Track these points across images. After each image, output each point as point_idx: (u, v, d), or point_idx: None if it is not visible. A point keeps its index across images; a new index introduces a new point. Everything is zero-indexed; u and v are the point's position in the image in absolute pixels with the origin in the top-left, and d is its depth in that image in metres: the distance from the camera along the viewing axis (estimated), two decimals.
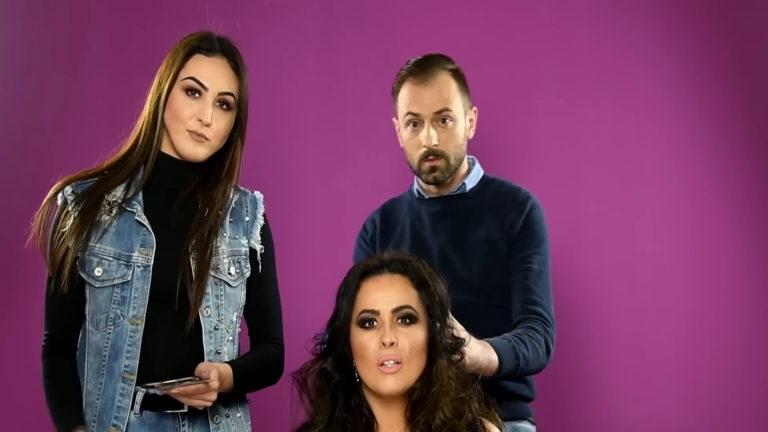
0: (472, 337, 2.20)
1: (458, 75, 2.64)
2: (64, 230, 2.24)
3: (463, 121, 2.63)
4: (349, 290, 2.10)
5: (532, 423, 2.62)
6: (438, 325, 2.08)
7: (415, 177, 2.72)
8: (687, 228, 3.22)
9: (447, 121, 2.58)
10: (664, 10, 3.27)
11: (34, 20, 3.53)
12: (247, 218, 2.40)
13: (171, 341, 2.22)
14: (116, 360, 2.20)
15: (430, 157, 2.58)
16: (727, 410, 3.16)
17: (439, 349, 2.07)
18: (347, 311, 2.08)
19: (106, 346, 2.22)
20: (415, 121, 2.59)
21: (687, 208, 3.22)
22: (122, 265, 2.23)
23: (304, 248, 3.39)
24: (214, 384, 2.13)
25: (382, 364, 2.03)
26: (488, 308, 2.54)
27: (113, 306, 2.22)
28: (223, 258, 2.31)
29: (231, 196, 2.38)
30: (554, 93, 3.30)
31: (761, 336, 3.17)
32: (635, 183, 3.25)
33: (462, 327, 2.17)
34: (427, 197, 2.70)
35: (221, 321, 2.29)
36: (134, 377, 2.20)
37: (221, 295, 2.30)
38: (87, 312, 2.26)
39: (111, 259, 2.23)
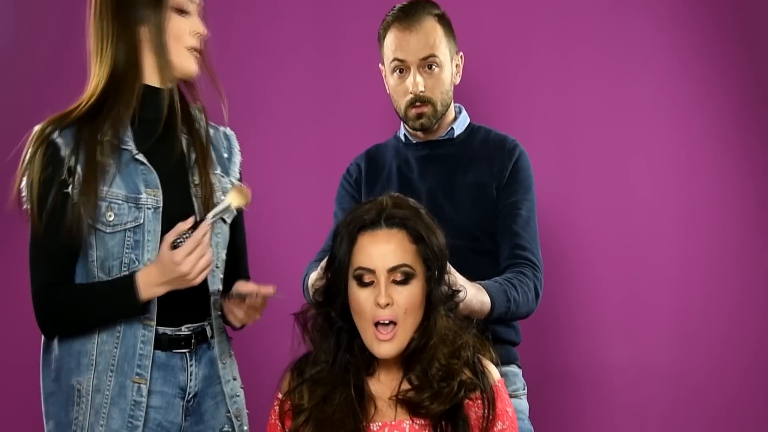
0: (466, 280, 2.22)
1: (444, 20, 2.63)
2: (63, 178, 2.16)
3: (450, 67, 2.63)
4: (345, 242, 2.07)
5: (519, 367, 2.65)
6: (436, 278, 2.08)
7: (402, 122, 2.72)
8: (681, 171, 3.22)
9: (433, 67, 2.58)
10: None
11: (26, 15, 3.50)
12: (225, 154, 2.39)
13: (189, 288, 2.18)
14: None
15: (417, 104, 2.59)
16: (722, 352, 3.19)
17: (437, 303, 2.08)
18: (345, 264, 2.07)
19: None
20: (401, 68, 2.58)
21: (681, 152, 3.22)
22: (132, 207, 2.18)
23: (295, 193, 3.37)
24: (270, 289, 2.23)
25: (377, 325, 2.03)
26: (476, 252, 2.55)
27: (126, 251, 2.18)
28: (217, 194, 2.30)
29: (208, 131, 2.36)
30: (549, 40, 3.27)
31: (755, 277, 3.18)
32: (629, 127, 3.23)
33: (460, 276, 2.19)
34: (414, 142, 2.71)
35: (218, 259, 2.31)
36: (154, 323, 2.19)
37: (219, 233, 2.31)
38: (94, 259, 2.19)
39: (121, 202, 2.17)
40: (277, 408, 2.12)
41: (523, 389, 2.65)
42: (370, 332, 2.04)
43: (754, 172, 3.20)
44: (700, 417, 3.19)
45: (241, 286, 2.25)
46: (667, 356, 3.20)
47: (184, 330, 2.26)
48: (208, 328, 2.29)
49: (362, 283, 2.05)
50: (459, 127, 2.70)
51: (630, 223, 3.24)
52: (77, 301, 2.16)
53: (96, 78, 2.23)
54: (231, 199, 2.15)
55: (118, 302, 2.14)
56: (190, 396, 2.27)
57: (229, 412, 2.32)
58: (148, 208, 2.19)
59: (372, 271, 2.04)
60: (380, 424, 2.07)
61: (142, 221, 2.19)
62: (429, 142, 2.69)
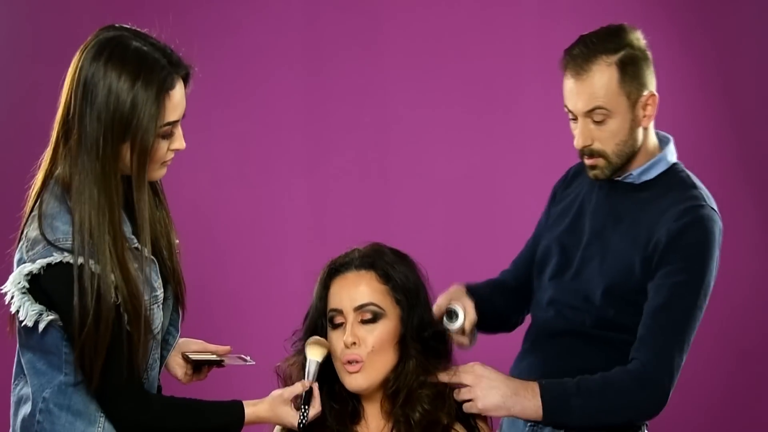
0: (498, 374, 2.10)
1: (626, 61, 2.24)
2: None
3: (629, 114, 2.24)
4: (320, 289, 2.10)
5: None
6: (408, 313, 2.06)
7: None
8: None
9: (603, 119, 2.23)
10: None
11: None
12: None
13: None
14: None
15: (587, 156, 2.27)
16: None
17: (409, 343, 2.05)
18: (321, 310, 2.09)
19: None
20: (571, 116, 2.27)
21: None
22: (156, 308, 2.05)
23: (285, 242, 3.36)
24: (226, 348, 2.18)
25: (347, 363, 2.03)
26: (583, 335, 2.26)
27: (153, 353, 2.05)
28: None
29: None
30: None
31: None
32: None
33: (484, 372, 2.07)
34: None
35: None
36: None
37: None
38: None
39: (149, 306, 2.02)
40: None
41: None
42: (342, 370, 2.05)
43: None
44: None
45: (192, 346, 2.18)
46: None
47: None
48: None
49: (334, 325, 2.06)
50: (644, 173, 2.29)
51: None
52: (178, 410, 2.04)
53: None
54: (315, 355, 2.06)
55: (222, 423, 2.04)
56: None
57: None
58: (162, 303, 2.07)
59: (341, 312, 2.05)
60: None
61: (164, 318, 2.09)
62: (610, 180, 2.32)
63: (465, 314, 2.23)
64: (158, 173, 2.01)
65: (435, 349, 2.09)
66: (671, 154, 2.32)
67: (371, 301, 2.04)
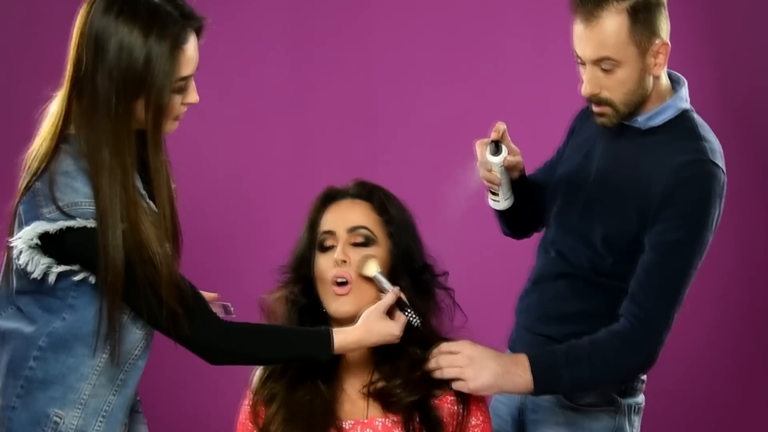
0: (488, 352, 2.10)
1: (637, 8, 2.15)
2: None
3: (638, 63, 2.17)
4: (310, 216, 2.11)
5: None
6: (400, 253, 2.07)
7: None
8: None
9: (610, 69, 2.17)
10: None
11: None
12: None
13: None
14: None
15: (594, 104, 2.22)
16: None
17: (399, 278, 2.06)
18: (310, 237, 2.09)
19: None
20: (580, 62, 2.21)
21: None
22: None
23: (271, 187, 3.39)
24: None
25: (335, 285, 2.03)
26: (580, 279, 2.26)
27: None
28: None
29: None
30: None
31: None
32: None
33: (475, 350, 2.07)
34: None
35: None
36: None
37: None
38: None
39: None
40: (247, 406, 2.10)
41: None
42: (329, 293, 2.04)
43: None
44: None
45: None
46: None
47: None
48: None
49: (324, 248, 2.06)
50: (651, 118, 2.23)
51: None
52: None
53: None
54: (374, 270, 2.05)
55: (307, 353, 2.01)
56: None
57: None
58: None
59: (332, 233, 2.06)
60: (352, 422, 2.04)
61: None
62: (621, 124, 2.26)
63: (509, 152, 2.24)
64: (170, 127, 1.97)
65: (425, 285, 2.11)
66: (682, 100, 2.24)
67: (365, 225, 2.06)
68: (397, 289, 2.02)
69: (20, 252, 1.86)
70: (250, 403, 2.09)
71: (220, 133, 3.38)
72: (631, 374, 2.22)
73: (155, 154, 1.92)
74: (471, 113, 3.27)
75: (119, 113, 1.86)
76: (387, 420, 2.03)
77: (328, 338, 1.97)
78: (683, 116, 2.23)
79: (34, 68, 3.04)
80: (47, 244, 1.85)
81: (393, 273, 2.07)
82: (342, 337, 1.98)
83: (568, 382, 2.12)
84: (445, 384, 2.04)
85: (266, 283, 2.15)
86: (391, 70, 3.43)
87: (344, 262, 2.03)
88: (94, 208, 1.84)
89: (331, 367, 2.04)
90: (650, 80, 2.20)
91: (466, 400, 2.04)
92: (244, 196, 3.40)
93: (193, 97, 1.95)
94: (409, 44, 3.40)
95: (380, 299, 2.02)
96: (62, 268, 1.87)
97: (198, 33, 1.92)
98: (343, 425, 2.03)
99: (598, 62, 2.16)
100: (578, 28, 2.18)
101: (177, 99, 1.92)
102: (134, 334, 1.95)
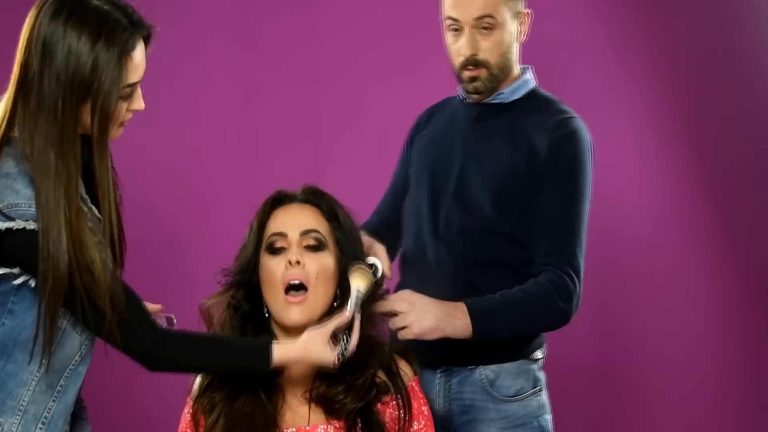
0: (428, 298, 2.16)
1: None
2: None
3: (511, 27, 2.40)
4: (258, 218, 2.09)
5: (533, 360, 2.43)
6: (347, 260, 2.07)
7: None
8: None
9: (489, 27, 2.36)
10: None
11: None
12: None
13: None
14: None
15: (470, 67, 2.38)
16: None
17: (347, 283, 2.06)
18: (256, 239, 2.07)
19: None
20: (456, 27, 2.37)
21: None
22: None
23: (218, 188, 3.39)
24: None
25: (287, 292, 2.01)
26: (490, 233, 2.36)
27: None
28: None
29: None
30: None
31: None
32: None
33: (415, 298, 2.15)
34: (468, 101, 2.48)
35: None
36: None
37: None
38: None
39: None
40: (188, 414, 2.09)
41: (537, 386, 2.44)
42: (279, 299, 2.02)
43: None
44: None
45: None
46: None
47: None
48: None
49: (273, 251, 2.04)
50: (514, 92, 2.44)
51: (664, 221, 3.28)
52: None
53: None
54: (358, 285, 2.03)
55: (246, 365, 2.01)
56: None
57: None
58: None
59: (284, 236, 2.04)
60: (294, 430, 2.04)
61: None
62: (480, 104, 2.46)
63: (381, 262, 2.26)
64: (115, 133, 1.96)
65: (370, 297, 2.10)
66: (532, 80, 2.47)
67: (317, 228, 2.05)
68: (350, 314, 2.00)
69: None
70: (191, 411, 2.08)
71: (167, 137, 3.36)
72: (560, 321, 2.31)
73: (100, 160, 1.91)
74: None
75: (65, 117, 1.85)
76: (329, 427, 2.03)
77: (269, 352, 1.97)
78: (537, 91, 2.47)
79: None
80: None
81: (341, 284, 2.07)
82: (282, 352, 1.98)
83: (504, 325, 2.22)
84: (387, 389, 2.05)
85: (214, 289, 2.14)
86: (337, 72, 3.44)
87: (298, 263, 2.02)
88: (34, 209, 1.83)
89: (271, 375, 2.03)
90: (515, 49, 2.42)
91: (407, 404, 2.05)
92: (192, 201, 3.39)
93: (138, 103, 1.95)
94: (355, 45, 3.41)
95: (334, 314, 2.01)
96: (2, 270, 1.86)
97: (146, 40, 1.93)
98: None
99: (478, 20, 2.34)
100: None
101: (123, 105, 1.92)
102: (74, 339, 1.93)
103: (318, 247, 2.05)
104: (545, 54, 3.21)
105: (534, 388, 2.40)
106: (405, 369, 2.10)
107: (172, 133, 3.37)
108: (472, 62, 2.38)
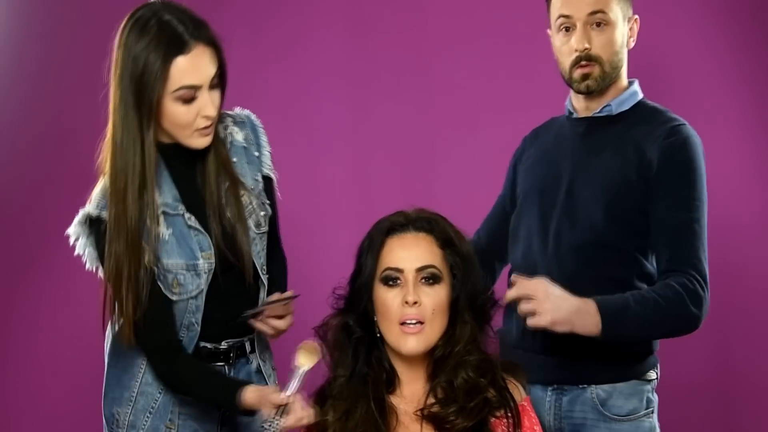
0: (563, 290, 2.17)
1: None
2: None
3: (622, 27, 2.39)
4: (373, 247, 2.10)
5: (647, 381, 2.40)
6: (462, 284, 2.09)
7: (570, 92, 2.49)
8: None
9: (602, 24, 2.35)
10: None
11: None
12: (255, 153, 2.34)
13: (233, 307, 2.27)
14: None
15: (583, 63, 2.36)
16: None
17: (462, 310, 2.09)
18: (371, 268, 2.09)
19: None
20: (567, 25, 2.36)
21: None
22: (193, 275, 2.21)
23: (332, 210, 3.41)
24: (291, 293, 2.26)
25: (403, 324, 2.04)
26: (601, 247, 2.34)
27: (188, 314, 2.23)
28: (253, 208, 2.30)
29: (226, 137, 2.27)
30: None
31: None
32: None
33: (546, 286, 2.15)
34: (575, 116, 2.47)
35: (262, 269, 2.34)
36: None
37: (265, 246, 2.34)
38: None
39: (184, 272, 2.20)
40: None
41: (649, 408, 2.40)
42: (395, 331, 2.06)
43: None
44: None
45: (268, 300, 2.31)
46: None
47: (224, 345, 2.29)
48: (247, 344, 2.33)
49: (389, 284, 2.06)
50: (621, 103, 2.42)
51: None
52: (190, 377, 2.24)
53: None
54: (302, 362, 2.06)
55: (219, 398, 2.20)
56: None
57: (264, 423, 2.29)
58: (205, 273, 2.21)
59: (400, 271, 2.06)
60: None
61: (202, 287, 2.22)
62: (587, 118, 2.44)
63: None
64: (195, 141, 2.14)
65: (484, 317, 2.13)
66: (639, 91, 2.45)
67: (433, 264, 2.07)
68: (288, 397, 2.02)
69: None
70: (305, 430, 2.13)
71: (278, 157, 3.42)
72: (690, 326, 2.27)
73: (175, 161, 2.16)
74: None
75: (128, 115, 2.09)
76: None
77: (233, 397, 2.10)
78: (644, 101, 2.45)
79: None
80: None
81: (454, 308, 2.09)
82: (244, 398, 2.10)
83: (631, 326, 2.19)
84: (499, 405, 2.06)
85: (330, 309, 2.19)
86: (449, 93, 3.45)
87: (416, 303, 2.05)
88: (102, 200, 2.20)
89: (378, 385, 2.07)
90: (625, 53, 2.39)
91: (518, 422, 2.06)
92: (302, 218, 3.41)
93: (207, 109, 2.09)
94: (467, 71, 3.42)
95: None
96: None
97: (214, 49, 2.08)
98: None
99: (591, 15, 2.32)
100: None
101: (183, 108, 2.09)
102: None
103: (434, 281, 2.07)
104: (652, 63, 3.20)
105: (647, 409, 2.37)
106: (515, 386, 2.11)
107: (283, 153, 3.42)
108: (585, 57, 2.36)
